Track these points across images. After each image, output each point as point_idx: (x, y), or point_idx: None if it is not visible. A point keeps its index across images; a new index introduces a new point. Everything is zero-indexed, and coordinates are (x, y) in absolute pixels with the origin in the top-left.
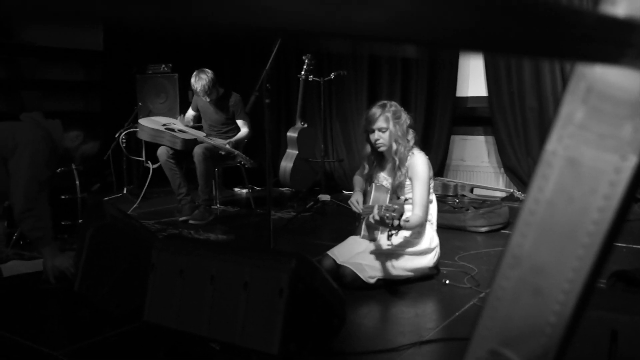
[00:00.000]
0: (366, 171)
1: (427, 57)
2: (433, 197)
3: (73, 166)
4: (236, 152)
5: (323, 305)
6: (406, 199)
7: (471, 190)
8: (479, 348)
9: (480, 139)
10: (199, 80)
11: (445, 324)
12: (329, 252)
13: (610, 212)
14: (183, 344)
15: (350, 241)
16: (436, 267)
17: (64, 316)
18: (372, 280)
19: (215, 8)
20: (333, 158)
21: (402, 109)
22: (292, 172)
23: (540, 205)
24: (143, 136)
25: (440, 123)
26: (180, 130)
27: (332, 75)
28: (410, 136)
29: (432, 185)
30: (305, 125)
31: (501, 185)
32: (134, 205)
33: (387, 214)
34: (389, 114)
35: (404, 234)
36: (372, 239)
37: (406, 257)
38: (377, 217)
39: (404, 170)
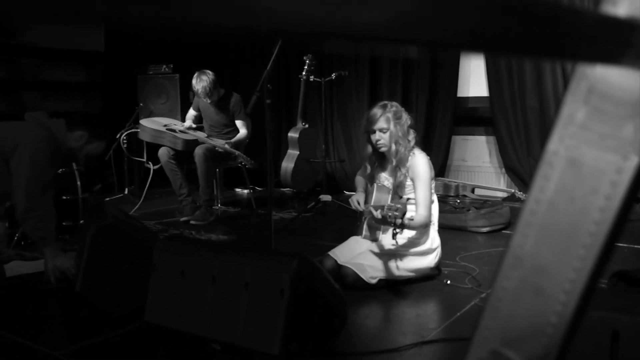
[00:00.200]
0: (367, 171)
1: (428, 57)
2: (434, 197)
3: (74, 167)
4: (237, 152)
5: (324, 306)
6: (408, 199)
7: (472, 191)
8: (480, 348)
9: (482, 139)
10: (200, 82)
11: (447, 325)
12: (330, 253)
13: (611, 212)
14: (184, 344)
15: (352, 241)
16: (437, 267)
17: (65, 316)
18: (374, 281)
19: (215, 8)
20: (334, 158)
21: (403, 109)
22: (293, 173)
23: (541, 205)
24: (144, 137)
25: (441, 123)
26: (181, 131)
27: (333, 75)
28: (411, 136)
29: (433, 185)
30: (307, 126)
31: (502, 186)
32: (136, 206)
33: (390, 213)
34: (389, 115)
35: (409, 233)
36: (374, 239)
37: (407, 257)
38: (379, 217)
39: (404, 171)
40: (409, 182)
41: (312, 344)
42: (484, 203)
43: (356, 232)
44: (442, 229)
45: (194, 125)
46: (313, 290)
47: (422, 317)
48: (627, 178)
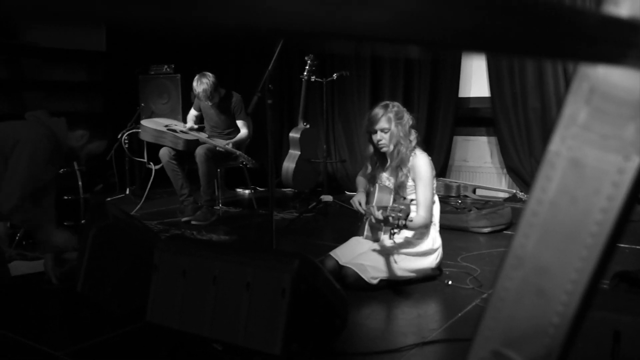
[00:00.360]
0: (369, 172)
1: (429, 57)
2: (436, 197)
3: (76, 167)
4: (238, 152)
5: (325, 306)
6: (412, 200)
7: (474, 191)
8: (481, 349)
9: (483, 139)
10: (201, 85)
11: (448, 325)
12: (332, 253)
13: (613, 213)
14: (185, 345)
15: (353, 242)
16: (439, 267)
17: (66, 316)
18: (375, 281)
19: (215, 9)
20: (335, 159)
21: (405, 109)
22: (294, 173)
23: (543, 206)
24: (145, 137)
25: (443, 124)
26: (182, 131)
27: (335, 75)
28: (413, 137)
29: (434, 185)
30: (308, 126)
31: (504, 186)
32: (137, 206)
33: (393, 214)
34: (391, 115)
35: (406, 233)
36: (375, 239)
37: (409, 257)
38: (379, 217)
39: (405, 171)
40: (410, 183)
41: (313, 344)
42: (485, 203)
43: (357, 232)
44: (443, 229)
45: (195, 126)
46: (314, 290)
47: (423, 318)
48: (629, 178)
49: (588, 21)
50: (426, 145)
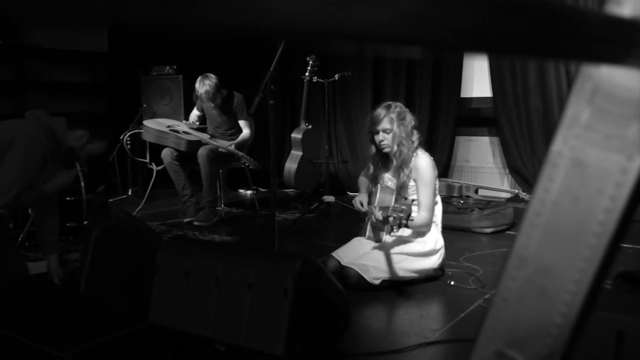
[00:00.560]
0: (371, 172)
1: (431, 58)
2: (438, 198)
3: (78, 168)
4: (240, 153)
5: (328, 307)
6: (413, 200)
7: (476, 191)
8: (484, 349)
9: (485, 139)
10: (203, 86)
11: (450, 325)
12: (334, 254)
13: (616, 213)
14: (188, 345)
15: (355, 242)
16: (441, 268)
17: (69, 317)
18: (377, 282)
19: (215, 9)
20: (337, 159)
21: (407, 110)
22: (296, 174)
23: (545, 206)
24: (148, 137)
25: (445, 124)
26: (184, 132)
27: (337, 76)
28: (415, 137)
29: (437, 186)
30: (310, 127)
31: (506, 186)
32: (139, 207)
33: (395, 215)
34: (393, 115)
35: (407, 232)
36: (377, 240)
37: (411, 258)
38: (380, 217)
39: (407, 171)
40: (412, 183)
41: (315, 344)
42: (487, 204)
43: (359, 232)
44: (445, 229)
45: (197, 122)
46: (317, 290)
47: (425, 318)
48: (631, 179)
49: (591, 21)
50: (428, 145)
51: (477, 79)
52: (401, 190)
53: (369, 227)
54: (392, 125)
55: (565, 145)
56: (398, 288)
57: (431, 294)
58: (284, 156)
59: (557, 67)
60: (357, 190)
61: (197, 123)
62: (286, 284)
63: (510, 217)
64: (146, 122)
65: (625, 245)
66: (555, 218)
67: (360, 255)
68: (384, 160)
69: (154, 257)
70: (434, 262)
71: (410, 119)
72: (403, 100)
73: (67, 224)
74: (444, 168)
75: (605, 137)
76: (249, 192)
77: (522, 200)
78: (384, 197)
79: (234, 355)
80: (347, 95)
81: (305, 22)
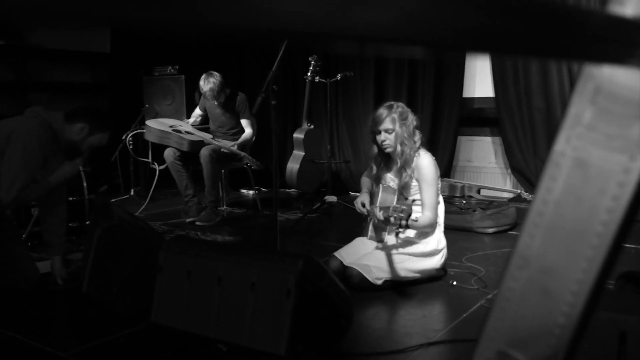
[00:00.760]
0: (373, 172)
1: (433, 58)
2: (440, 198)
3: (81, 168)
4: (242, 153)
5: (330, 307)
6: (414, 200)
7: (478, 191)
8: (486, 349)
9: (487, 139)
10: (208, 84)
11: (453, 326)
12: (336, 254)
13: (619, 213)
14: (190, 345)
15: (357, 242)
16: (443, 268)
17: (71, 317)
18: (379, 282)
19: (215, 9)
20: (339, 159)
21: (409, 110)
22: (298, 174)
23: (548, 206)
24: (150, 137)
25: (447, 124)
26: (187, 132)
27: (339, 76)
28: (417, 137)
29: (439, 186)
30: (312, 127)
31: (508, 186)
32: (141, 207)
33: (395, 215)
34: (395, 115)
35: (411, 233)
36: (379, 240)
37: (413, 258)
38: (381, 218)
39: (409, 171)
40: (414, 183)
41: (318, 344)
42: (490, 204)
43: (362, 233)
44: (447, 229)
45: (199, 118)
46: (319, 291)
47: (428, 318)
48: (634, 178)
49: (593, 21)
50: (430, 145)
51: (480, 79)
52: (403, 190)
53: (371, 227)
54: (394, 125)
55: (567, 145)
56: (400, 288)
57: (433, 294)
58: (286, 156)
59: (559, 67)
60: (359, 191)
61: (199, 119)
62: (288, 284)
63: (513, 217)
64: (148, 122)
65: (628, 245)
66: (557, 218)
67: (363, 256)
68: (386, 160)
69: (156, 257)
70: (436, 262)
71: (412, 119)
72: (405, 100)
73: (70, 224)
74: (446, 168)
75: (608, 137)
76: (251, 192)
77: (525, 200)
78: (385, 197)
79: (236, 355)
80: (349, 95)
81: (305, 22)
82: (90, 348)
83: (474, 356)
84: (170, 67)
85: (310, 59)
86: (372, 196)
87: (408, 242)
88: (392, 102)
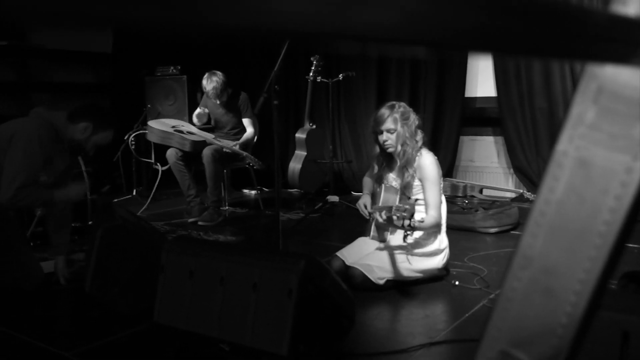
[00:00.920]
0: (375, 172)
1: (435, 57)
2: (442, 198)
3: (83, 168)
4: (245, 153)
5: (332, 307)
6: (416, 200)
7: (480, 191)
8: (489, 349)
9: (490, 139)
10: (211, 83)
11: (455, 325)
12: (338, 253)
13: (621, 213)
14: (193, 345)
15: (360, 242)
16: (446, 268)
17: (74, 317)
18: (382, 282)
19: (215, 9)
20: (341, 159)
21: (411, 109)
22: (300, 174)
23: (551, 206)
24: (152, 138)
25: (449, 124)
26: (189, 132)
27: (341, 76)
28: (419, 137)
29: (441, 185)
30: (314, 127)
31: (511, 186)
32: (144, 207)
33: (398, 214)
34: (397, 115)
35: (418, 234)
36: (382, 240)
37: (415, 258)
38: (384, 217)
39: (411, 171)
40: (416, 183)
41: (320, 344)
42: (492, 203)
43: (364, 232)
44: (450, 229)
45: (205, 110)
46: (321, 290)
47: (430, 318)
48: (637, 178)
49: (595, 20)
50: (432, 145)
51: (482, 79)
52: (405, 190)
53: (373, 227)
54: (395, 125)
55: (570, 144)
56: (402, 288)
57: (436, 294)
58: (288, 156)
59: (562, 67)
60: (361, 190)
61: (204, 113)
62: (291, 284)
63: (515, 217)
64: (151, 123)
65: (630, 245)
66: (560, 218)
67: (365, 255)
68: (388, 160)
69: (158, 257)
70: (438, 262)
71: (414, 119)
72: (407, 99)
73: (72, 224)
74: (448, 168)
75: (611, 137)
76: (253, 192)
77: (527, 200)
78: (388, 197)
79: (238, 355)
80: (351, 95)
81: (306, 22)
82: (93, 348)
83: (476, 356)
84: (172, 68)
85: (312, 58)
86: (375, 196)
87: (411, 241)
88: (394, 102)
